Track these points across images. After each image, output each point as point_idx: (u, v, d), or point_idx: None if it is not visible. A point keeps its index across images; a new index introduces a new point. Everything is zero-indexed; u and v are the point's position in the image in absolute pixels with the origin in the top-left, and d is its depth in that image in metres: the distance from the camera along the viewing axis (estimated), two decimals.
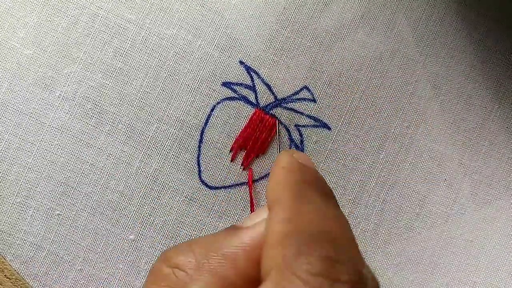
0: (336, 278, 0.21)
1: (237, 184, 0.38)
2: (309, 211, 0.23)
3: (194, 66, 0.38)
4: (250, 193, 0.38)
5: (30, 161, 0.37)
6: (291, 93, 0.38)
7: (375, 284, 0.23)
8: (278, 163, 0.27)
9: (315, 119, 0.39)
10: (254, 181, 0.39)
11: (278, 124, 0.38)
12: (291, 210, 0.23)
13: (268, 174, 0.38)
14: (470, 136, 0.40)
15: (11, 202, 0.37)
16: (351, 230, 0.24)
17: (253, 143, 0.38)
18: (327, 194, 0.25)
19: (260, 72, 0.38)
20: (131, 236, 0.38)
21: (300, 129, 0.38)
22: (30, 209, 0.37)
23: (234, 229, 0.26)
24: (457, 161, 0.40)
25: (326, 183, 0.26)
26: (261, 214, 0.26)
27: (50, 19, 0.37)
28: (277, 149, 0.39)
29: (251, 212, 0.39)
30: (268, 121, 0.38)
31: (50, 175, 0.37)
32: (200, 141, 0.38)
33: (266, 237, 0.23)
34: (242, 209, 0.38)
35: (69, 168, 0.37)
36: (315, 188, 0.25)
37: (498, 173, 0.40)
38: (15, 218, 0.37)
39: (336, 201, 0.26)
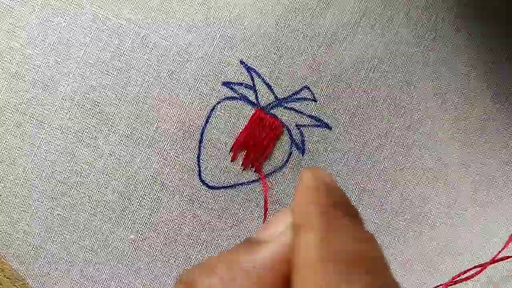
0: None
1: (237, 184, 0.38)
2: (342, 234, 0.23)
3: (194, 66, 0.38)
4: (265, 198, 0.38)
5: (30, 161, 0.37)
6: (291, 92, 0.38)
7: None
8: (304, 181, 0.26)
9: (316, 118, 0.39)
10: (255, 180, 0.39)
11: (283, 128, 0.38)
12: (325, 234, 0.23)
13: (269, 174, 0.38)
14: (471, 136, 0.40)
15: (11, 202, 0.37)
16: (381, 250, 0.24)
17: (253, 143, 0.38)
18: (355, 216, 0.25)
19: (260, 71, 0.38)
20: (131, 236, 0.38)
21: (301, 129, 0.38)
22: (30, 209, 0.37)
23: (253, 243, 0.25)
24: (457, 161, 0.40)
25: (351, 204, 0.26)
26: (278, 223, 0.26)
27: (50, 19, 0.37)
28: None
29: (264, 218, 0.39)
30: (268, 121, 0.38)
31: (50, 175, 0.37)
32: (200, 141, 0.38)
33: (295, 262, 0.23)
34: (242, 209, 0.38)
35: (69, 168, 0.37)
36: (345, 210, 0.24)
37: (499, 173, 0.40)
38: (15, 218, 0.37)
39: (363, 222, 0.26)
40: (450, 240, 0.40)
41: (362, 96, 0.39)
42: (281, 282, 0.24)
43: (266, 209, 0.38)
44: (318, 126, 0.39)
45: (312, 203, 0.24)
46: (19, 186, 0.37)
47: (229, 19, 0.38)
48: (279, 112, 0.38)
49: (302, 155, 0.39)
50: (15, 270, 0.37)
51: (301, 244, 0.23)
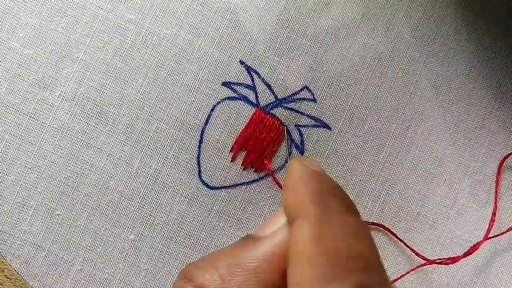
0: None
1: (237, 184, 0.38)
2: (336, 227, 0.22)
3: (194, 66, 0.38)
4: (276, 180, 0.38)
5: (30, 161, 0.37)
6: (291, 93, 0.38)
7: None
8: (293, 172, 0.25)
9: (315, 119, 0.39)
10: (255, 180, 0.39)
11: (286, 131, 0.38)
12: (318, 227, 0.22)
13: (269, 174, 0.38)
14: (470, 136, 0.40)
15: (11, 202, 0.37)
16: (375, 247, 0.23)
17: (253, 143, 0.38)
18: (349, 206, 0.24)
19: (260, 72, 0.38)
20: (131, 236, 0.38)
21: (301, 129, 0.38)
22: (30, 209, 0.37)
23: (251, 240, 0.25)
24: (457, 161, 0.40)
25: (344, 191, 0.25)
26: (276, 221, 0.25)
27: (50, 19, 0.37)
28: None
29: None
30: (268, 121, 0.38)
31: (50, 175, 0.37)
32: (200, 141, 0.38)
33: (290, 255, 0.23)
34: (242, 209, 0.38)
35: (69, 168, 0.37)
36: (338, 200, 0.24)
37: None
38: (15, 218, 0.37)
39: (357, 210, 0.25)
40: (449, 241, 0.40)
41: (362, 96, 0.39)
42: (279, 278, 0.23)
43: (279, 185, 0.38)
44: (318, 126, 0.39)
45: (303, 193, 0.24)
46: (19, 186, 0.37)
47: (229, 19, 0.38)
48: (279, 112, 0.38)
49: (302, 155, 0.39)
50: (15, 270, 0.37)
51: (296, 236, 0.23)
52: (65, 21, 0.37)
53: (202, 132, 0.38)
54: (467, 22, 0.39)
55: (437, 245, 0.39)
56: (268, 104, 0.38)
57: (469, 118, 0.40)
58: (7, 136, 0.37)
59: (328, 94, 0.39)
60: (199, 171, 0.38)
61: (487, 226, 0.40)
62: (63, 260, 0.37)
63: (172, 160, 0.38)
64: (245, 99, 0.38)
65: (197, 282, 0.24)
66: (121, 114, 0.37)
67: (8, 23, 0.36)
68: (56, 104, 0.37)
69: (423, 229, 0.39)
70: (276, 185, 0.39)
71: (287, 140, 0.38)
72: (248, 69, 0.38)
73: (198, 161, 0.38)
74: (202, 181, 0.38)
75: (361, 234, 0.23)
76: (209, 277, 0.24)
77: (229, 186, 0.38)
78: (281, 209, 0.26)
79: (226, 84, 0.38)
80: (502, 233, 0.39)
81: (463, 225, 0.40)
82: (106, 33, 0.37)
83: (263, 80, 0.38)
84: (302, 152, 0.39)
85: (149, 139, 0.38)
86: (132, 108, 0.37)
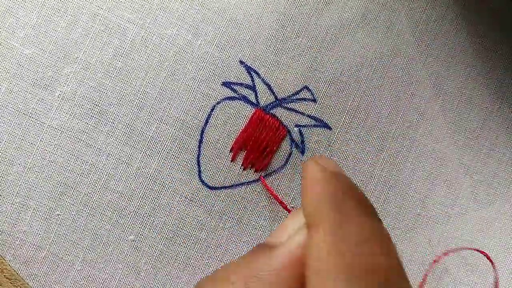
0: None
1: (237, 184, 0.38)
2: (352, 236, 0.21)
3: (194, 66, 0.38)
4: (277, 198, 0.38)
5: (29, 161, 0.37)
6: (291, 93, 0.38)
7: None
8: (307, 174, 0.24)
9: (315, 119, 0.39)
10: (256, 180, 0.38)
11: (287, 131, 0.38)
12: (333, 237, 0.21)
13: (269, 174, 0.38)
14: (471, 136, 0.40)
15: (11, 202, 0.37)
16: (396, 254, 0.22)
17: (253, 143, 0.38)
18: (368, 208, 0.23)
19: (260, 71, 0.38)
20: (130, 237, 0.38)
21: (301, 129, 0.38)
22: (30, 209, 0.37)
23: (266, 248, 0.24)
24: (457, 161, 0.40)
25: (362, 192, 0.24)
26: (289, 225, 0.24)
27: (50, 19, 0.37)
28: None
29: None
30: (268, 121, 0.38)
31: (50, 175, 0.37)
32: (200, 141, 0.38)
33: (308, 266, 0.22)
34: (243, 209, 0.38)
35: (69, 168, 0.37)
36: (356, 201, 0.23)
37: (499, 173, 0.40)
38: (15, 218, 0.37)
39: (374, 211, 0.24)
40: (450, 241, 0.40)
41: (362, 96, 0.39)
42: (297, 285, 0.23)
43: (281, 202, 0.38)
44: (318, 126, 0.39)
45: (320, 195, 0.22)
46: (19, 186, 0.37)
47: (229, 19, 0.38)
48: (279, 112, 0.38)
49: (302, 155, 0.39)
50: (15, 271, 0.37)
51: (312, 247, 0.22)
52: (65, 20, 0.37)
53: (202, 132, 0.38)
54: (468, 22, 0.39)
55: (437, 245, 0.39)
56: (268, 104, 0.38)
57: (469, 118, 0.40)
58: (6, 136, 0.37)
59: (328, 94, 0.39)
60: (199, 171, 0.38)
61: (487, 226, 0.40)
62: (62, 260, 0.37)
63: (172, 160, 0.38)
64: (245, 99, 0.38)
65: None
66: (121, 114, 0.37)
67: (8, 23, 0.36)
68: (55, 104, 0.37)
69: (424, 229, 0.39)
70: (273, 186, 0.38)
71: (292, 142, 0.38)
72: (248, 69, 0.38)
73: (198, 161, 0.38)
74: (202, 181, 0.38)
75: (378, 241, 0.22)
76: None
77: (229, 186, 0.38)
78: (293, 212, 0.25)
79: (226, 84, 0.38)
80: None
81: (464, 226, 0.40)
82: (106, 33, 0.37)
83: (263, 80, 0.38)
84: (302, 152, 0.38)
85: (149, 139, 0.38)
86: (132, 108, 0.37)
